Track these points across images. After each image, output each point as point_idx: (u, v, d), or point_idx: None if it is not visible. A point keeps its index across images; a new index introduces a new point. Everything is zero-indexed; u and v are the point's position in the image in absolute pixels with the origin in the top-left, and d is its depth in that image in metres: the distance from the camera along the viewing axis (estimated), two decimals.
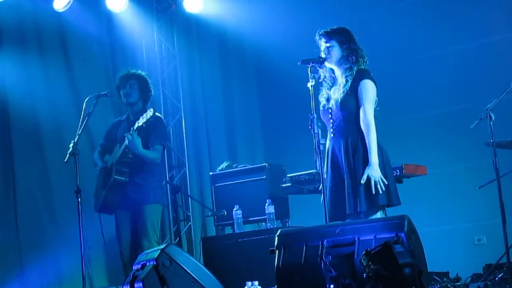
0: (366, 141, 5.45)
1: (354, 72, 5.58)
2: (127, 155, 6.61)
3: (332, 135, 5.66)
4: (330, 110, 5.65)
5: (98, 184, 6.88)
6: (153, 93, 7.02)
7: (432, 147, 8.53)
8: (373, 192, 5.37)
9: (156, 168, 6.83)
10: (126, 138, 6.50)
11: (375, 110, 5.57)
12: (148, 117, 6.44)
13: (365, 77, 5.55)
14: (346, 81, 5.59)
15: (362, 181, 5.39)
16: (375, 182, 5.38)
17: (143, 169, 6.70)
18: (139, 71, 7.02)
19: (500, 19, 8.43)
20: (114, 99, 7.32)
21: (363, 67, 5.62)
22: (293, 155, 8.80)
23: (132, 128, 6.50)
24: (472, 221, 8.41)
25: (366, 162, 5.44)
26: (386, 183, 5.42)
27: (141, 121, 6.47)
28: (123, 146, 6.60)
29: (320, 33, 5.69)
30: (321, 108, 5.69)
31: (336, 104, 5.60)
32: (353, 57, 5.60)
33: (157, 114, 6.68)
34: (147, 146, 6.66)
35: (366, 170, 5.41)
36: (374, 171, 5.39)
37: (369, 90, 5.53)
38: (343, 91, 5.57)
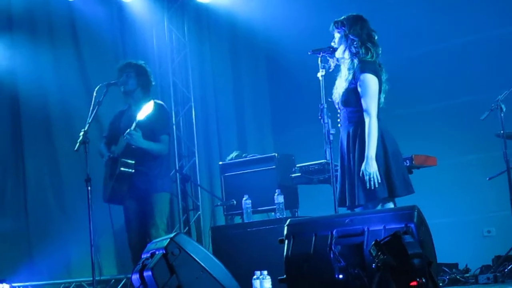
0: (366, 135, 5.38)
1: (355, 65, 5.50)
2: (130, 146, 6.57)
3: (339, 125, 5.67)
4: (337, 101, 5.63)
5: (105, 174, 6.86)
6: (153, 82, 6.91)
7: (442, 138, 8.51)
8: (368, 187, 5.32)
9: (163, 157, 6.79)
10: (125, 138, 6.48)
11: (382, 103, 5.51)
12: (149, 111, 6.44)
13: (364, 71, 5.44)
14: (348, 73, 5.53)
15: (360, 175, 5.37)
16: (369, 177, 5.31)
17: (149, 158, 6.65)
18: (135, 61, 6.95)
19: None
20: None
21: (368, 58, 5.50)
22: (302, 145, 8.79)
23: (133, 125, 6.47)
24: (481, 213, 8.39)
25: (363, 155, 5.38)
26: (379, 180, 5.33)
27: (141, 115, 6.44)
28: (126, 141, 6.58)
29: (333, 22, 5.66)
30: (333, 98, 5.66)
31: (339, 97, 5.58)
32: (354, 48, 5.51)
33: (157, 101, 6.67)
34: (152, 138, 6.64)
35: (362, 165, 5.37)
36: (368, 166, 5.32)
37: (368, 84, 5.42)
38: (345, 85, 5.53)
